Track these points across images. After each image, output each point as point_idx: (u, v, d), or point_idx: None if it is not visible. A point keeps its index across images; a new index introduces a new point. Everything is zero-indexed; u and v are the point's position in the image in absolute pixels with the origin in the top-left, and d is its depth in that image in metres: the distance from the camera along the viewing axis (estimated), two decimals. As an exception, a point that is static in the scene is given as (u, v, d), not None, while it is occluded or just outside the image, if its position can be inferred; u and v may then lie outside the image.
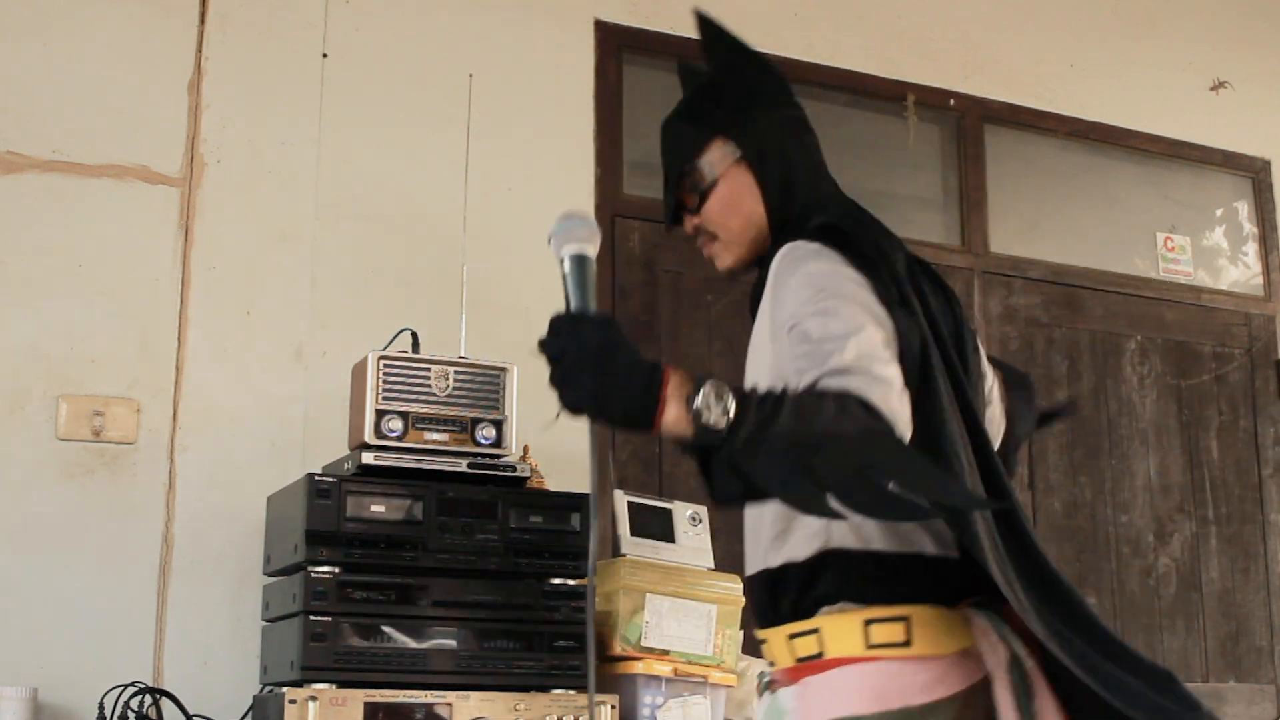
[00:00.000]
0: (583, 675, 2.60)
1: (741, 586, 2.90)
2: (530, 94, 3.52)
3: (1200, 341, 4.41)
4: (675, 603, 2.80)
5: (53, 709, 2.75)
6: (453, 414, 2.64)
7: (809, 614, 1.73)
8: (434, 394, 2.64)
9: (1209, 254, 4.55)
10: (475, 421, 2.65)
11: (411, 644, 2.51)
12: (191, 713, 2.69)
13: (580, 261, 1.71)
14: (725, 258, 1.96)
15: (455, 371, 2.66)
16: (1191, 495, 4.28)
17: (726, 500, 1.64)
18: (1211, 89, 4.58)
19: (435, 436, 2.62)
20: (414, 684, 2.49)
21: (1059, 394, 4.15)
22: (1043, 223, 4.29)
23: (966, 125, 4.19)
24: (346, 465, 2.65)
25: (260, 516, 2.84)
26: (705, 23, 2.01)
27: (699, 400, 1.54)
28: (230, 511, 2.98)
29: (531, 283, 3.22)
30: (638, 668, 2.72)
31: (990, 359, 2.02)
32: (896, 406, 1.57)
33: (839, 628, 1.71)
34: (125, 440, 2.96)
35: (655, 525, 2.91)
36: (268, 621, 2.75)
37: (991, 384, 2.00)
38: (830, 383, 1.57)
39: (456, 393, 2.66)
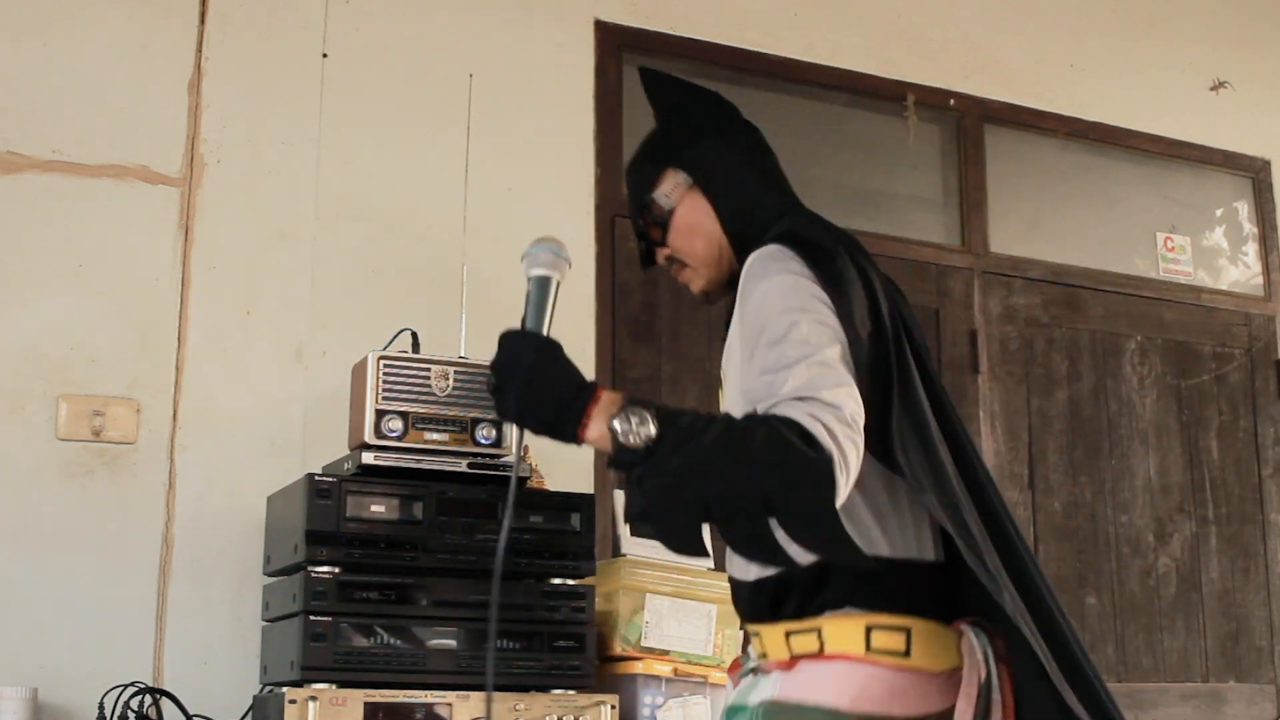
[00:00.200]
0: (583, 675, 2.61)
1: (741, 586, 2.90)
2: (530, 94, 3.52)
3: (1200, 341, 4.41)
4: (675, 603, 2.80)
5: (53, 709, 2.75)
6: (453, 414, 2.64)
7: (812, 617, 1.76)
8: (434, 394, 2.64)
9: (1209, 254, 4.56)
10: (475, 421, 2.65)
11: (411, 644, 2.51)
12: (191, 713, 2.69)
13: (542, 284, 1.81)
14: (698, 281, 2.04)
15: (455, 371, 2.66)
16: (1191, 495, 4.28)
17: (634, 519, 1.69)
18: (1211, 89, 4.58)
19: (435, 436, 2.62)
20: (414, 684, 2.49)
21: (1059, 394, 4.15)
22: (1043, 223, 4.29)
23: (966, 125, 4.19)
24: (346, 465, 2.65)
25: (260, 516, 2.84)
26: (646, 74, 2.12)
27: (619, 421, 1.62)
28: (230, 511, 2.99)
29: (531, 283, 3.22)
30: (638, 668, 2.72)
31: None
32: (839, 429, 1.60)
33: (841, 629, 1.74)
34: (125, 440, 2.96)
35: (655, 525, 2.91)
36: (268, 621, 2.75)
37: None
38: (778, 410, 1.62)
39: (456, 393, 2.65)
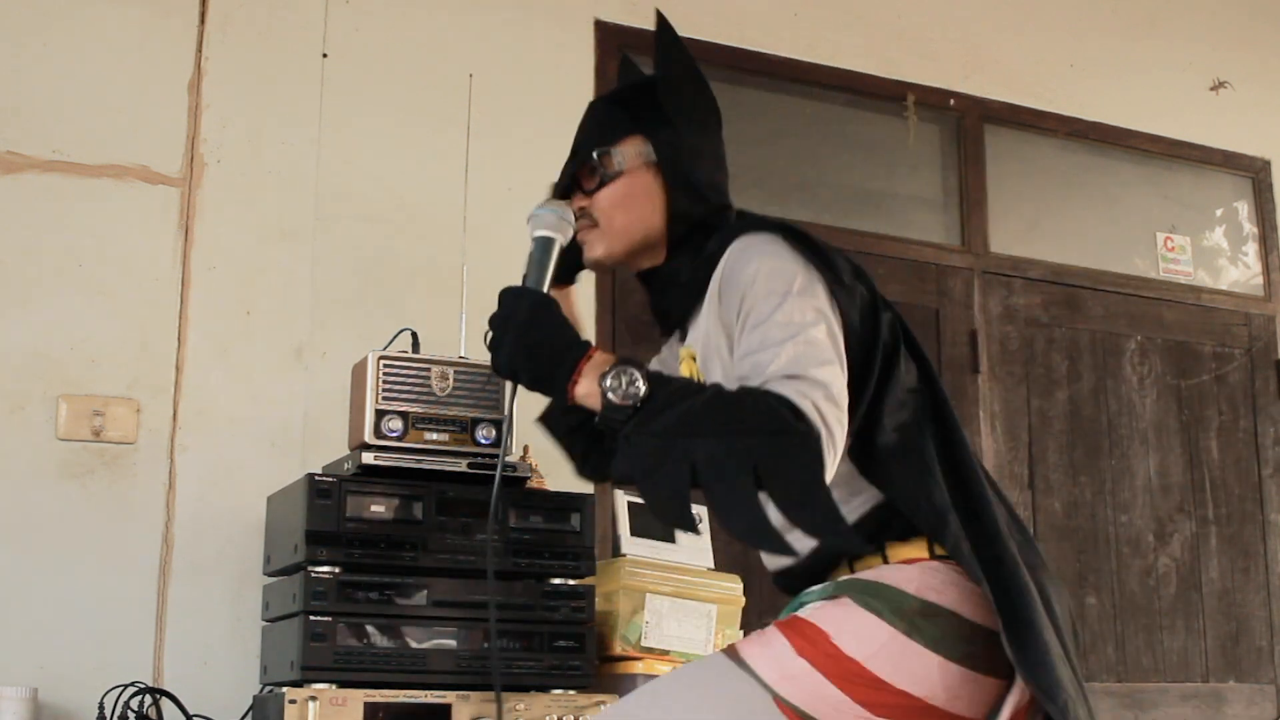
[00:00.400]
0: (583, 675, 2.61)
1: (740, 587, 2.90)
2: (530, 94, 3.52)
3: (1200, 341, 4.41)
4: (675, 603, 2.80)
5: (53, 709, 2.75)
6: (453, 414, 2.63)
7: (875, 550, 1.80)
8: (434, 394, 2.64)
9: (1209, 254, 4.56)
10: (475, 421, 2.65)
11: (411, 644, 2.51)
12: (191, 713, 2.69)
13: (544, 244, 1.87)
14: (597, 248, 1.99)
15: (455, 371, 2.66)
16: (1191, 495, 4.28)
17: (618, 478, 1.71)
18: (1211, 89, 4.58)
19: (435, 436, 2.62)
20: (414, 684, 2.49)
21: (1059, 394, 4.15)
22: (1043, 223, 4.29)
23: (966, 125, 4.19)
24: (346, 465, 2.65)
25: (260, 516, 2.84)
26: (663, 25, 2.03)
27: (610, 378, 1.65)
28: (230, 511, 2.99)
29: (531, 283, 3.22)
30: (638, 668, 2.72)
31: None
32: (826, 407, 1.63)
33: (904, 547, 1.79)
34: (125, 440, 2.96)
35: (655, 525, 2.91)
36: (268, 621, 2.75)
37: None
38: (766, 386, 1.64)
39: (456, 393, 2.65)
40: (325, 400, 3.07)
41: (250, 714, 2.71)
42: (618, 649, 2.75)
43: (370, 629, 2.48)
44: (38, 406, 2.91)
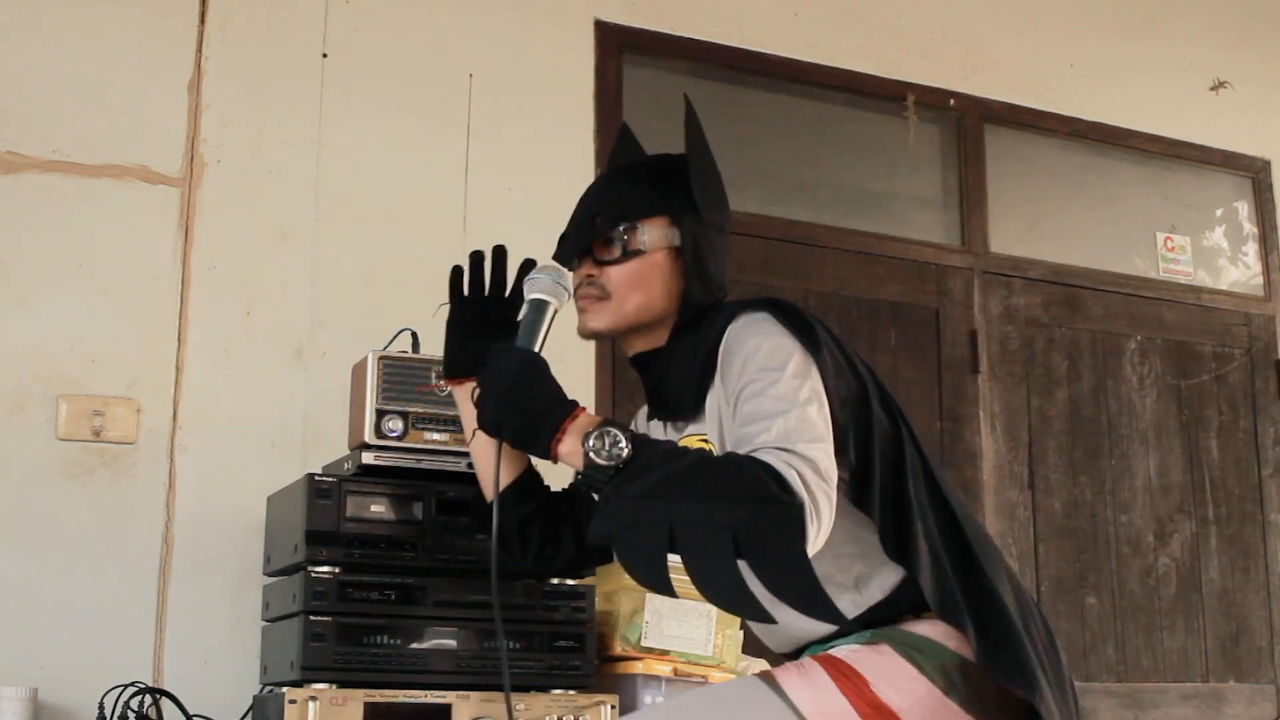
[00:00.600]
0: (583, 675, 2.61)
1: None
2: (530, 94, 3.52)
3: (1200, 341, 4.41)
4: (675, 603, 2.80)
5: (53, 709, 2.75)
6: (453, 414, 2.63)
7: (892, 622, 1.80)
8: (434, 394, 2.63)
9: (1209, 254, 4.56)
10: (473, 423, 2.65)
11: (411, 644, 2.50)
12: (191, 713, 2.69)
13: (538, 306, 1.90)
14: (601, 319, 1.97)
15: (455, 371, 2.65)
16: (1191, 495, 4.28)
17: (596, 539, 1.71)
18: (1211, 89, 4.58)
19: (435, 436, 2.62)
20: (414, 684, 2.48)
21: (1059, 394, 4.15)
22: (1043, 223, 4.29)
23: (966, 125, 4.19)
24: (346, 465, 2.65)
25: (260, 516, 2.84)
26: (690, 110, 2.02)
27: (593, 438, 1.66)
28: (230, 511, 2.99)
29: (531, 283, 3.22)
30: (638, 668, 2.72)
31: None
32: (813, 480, 1.62)
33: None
34: (125, 440, 2.96)
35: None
36: (268, 621, 2.75)
37: None
38: (754, 454, 1.65)
39: (456, 393, 2.65)
40: (325, 400, 3.07)
41: (250, 714, 2.71)
42: (618, 649, 2.75)
43: (370, 629, 2.48)
44: (38, 406, 2.91)
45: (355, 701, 2.42)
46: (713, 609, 2.83)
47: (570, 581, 2.65)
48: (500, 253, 2.12)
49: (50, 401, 2.92)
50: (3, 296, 2.94)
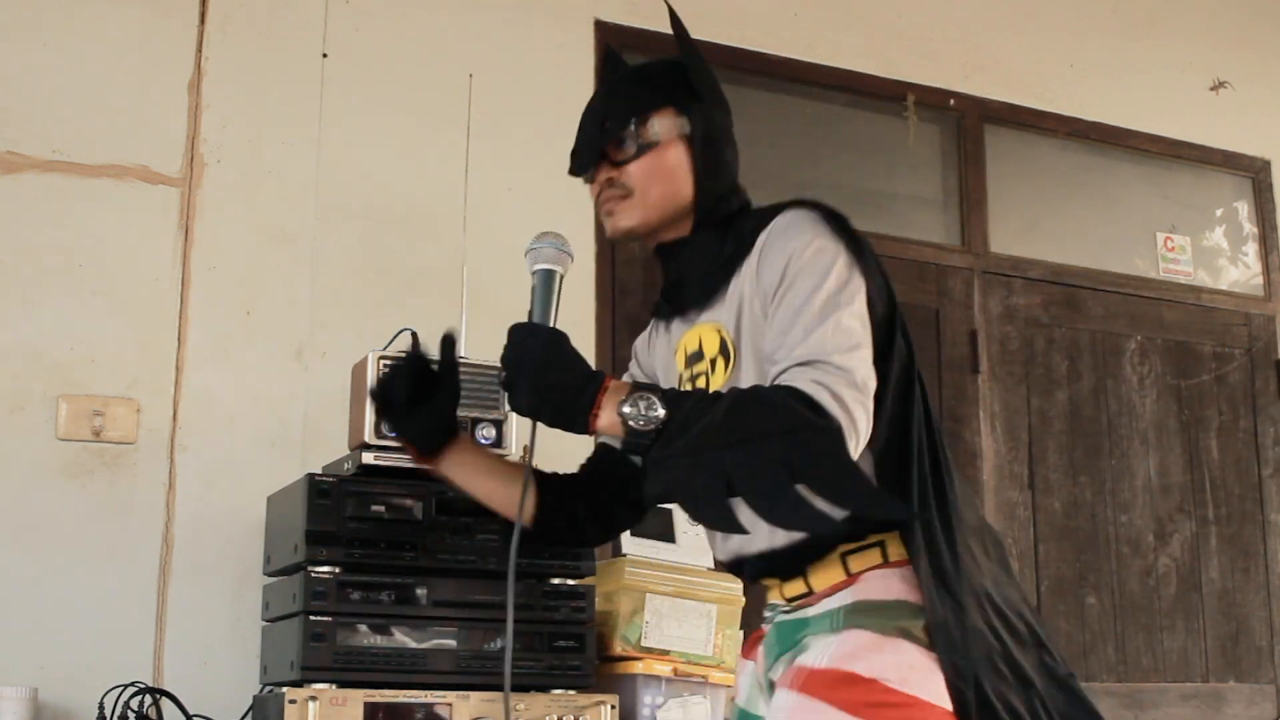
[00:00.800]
0: (583, 675, 2.61)
1: (741, 587, 2.90)
2: (530, 94, 3.52)
3: (1200, 341, 4.41)
4: (675, 603, 2.80)
5: (53, 709, 2.75)
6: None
7: (873, 533, 1.79)
8: (434, 394, 2.63)
9: (1209, 254, 4.56)
10: (475, 421, 2.65)
11: (411, 644, 2.51)
12: (191, 713, 2.69)
13: (547, 277, 1.87)
14: (629, 217, 1.96)
15: (455, 371, 2.66)
16: (1191, 495, 4.28)
17: (653, 500, 1.71)
18: (1211, 89, 4.58)
19: (435, 436, 2.61)
20: (414, 684, 2.49)
21: (1059, 394, 4.15)
22: (1043, 223, 4.29)
23: (966, 125, 4.19)
24: (346, 465, 2.65)
25: (260, 516, 2.84)
26: (677, 17, 2.08)
27: (628, 406, 1.67)
28: (230, 511, 2.99)
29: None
30: (638, 668, 2.72)
31: None
32: (848, 393, 1.65)
33: (901, 538, 1.78)
34: (125, 440, 2.96)
35: (655, 525, 2.91)
36: (268, 621, 2.75)
37: None
38: (785, 378, 1.67)
39: (456, 393, 2.65)
40: (325, 400, 3.07)
41: (250, 714, 2.71)
42: (618, 649, 2.75)
43: (370, 629, 2.48)
44: (38, 406, 2.91)
45: (355, 701, 2.42)
46: (713, 609, 2.83)
47: (570, 581, 2.65)
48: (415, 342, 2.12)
49: (50, 401, 2.92)
50: (3, 296, 2.94)
